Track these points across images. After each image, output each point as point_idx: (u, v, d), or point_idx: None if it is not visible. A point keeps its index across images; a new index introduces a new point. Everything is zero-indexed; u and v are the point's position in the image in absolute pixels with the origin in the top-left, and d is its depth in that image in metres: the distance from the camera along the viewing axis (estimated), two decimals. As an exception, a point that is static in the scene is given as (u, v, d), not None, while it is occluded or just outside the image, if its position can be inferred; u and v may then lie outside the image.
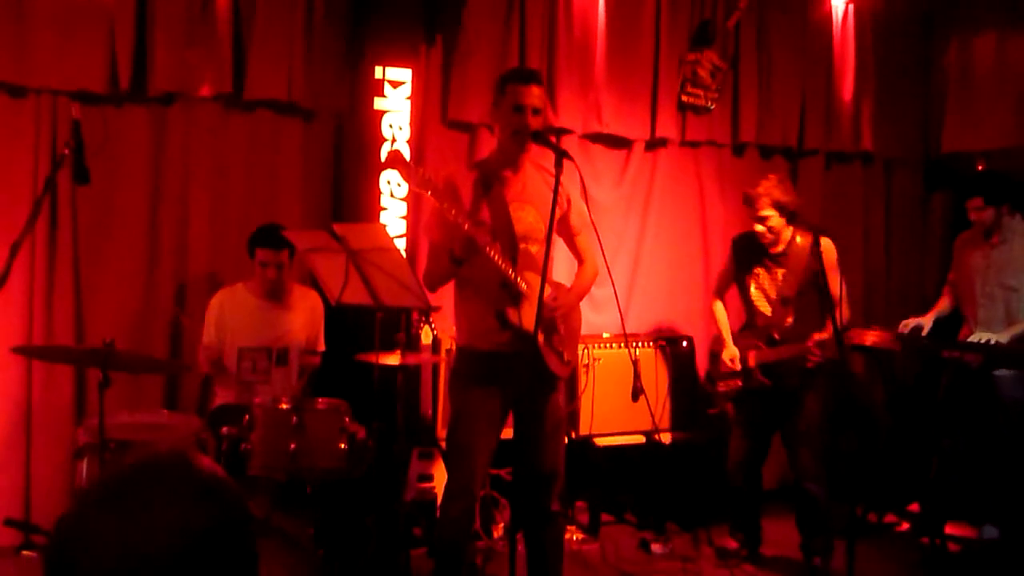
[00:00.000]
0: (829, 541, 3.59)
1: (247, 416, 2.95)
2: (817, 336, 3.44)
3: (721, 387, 3.74)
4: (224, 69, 3.80)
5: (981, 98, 4.83)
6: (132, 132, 3.76)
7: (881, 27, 5.03)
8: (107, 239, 3.76)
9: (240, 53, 3.85)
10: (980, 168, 4.83)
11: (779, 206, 3.45)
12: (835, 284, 3.42)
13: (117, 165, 3.70)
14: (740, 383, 3.66)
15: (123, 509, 0.87)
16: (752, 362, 3.62)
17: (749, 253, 3.63)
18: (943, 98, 5.04)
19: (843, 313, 3.42)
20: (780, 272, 3.55)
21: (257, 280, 3.53)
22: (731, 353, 3.67)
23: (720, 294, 3.85)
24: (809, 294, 3.53)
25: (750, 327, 3.70)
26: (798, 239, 3.52)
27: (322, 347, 3.70)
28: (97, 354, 2.63)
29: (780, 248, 3.54)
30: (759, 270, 3.60)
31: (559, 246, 3.06)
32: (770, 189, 3.46)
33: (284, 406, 2.98)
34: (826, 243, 3.38)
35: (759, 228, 3.50)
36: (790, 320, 3.55)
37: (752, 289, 3.63)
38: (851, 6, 4.97)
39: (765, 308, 3.60)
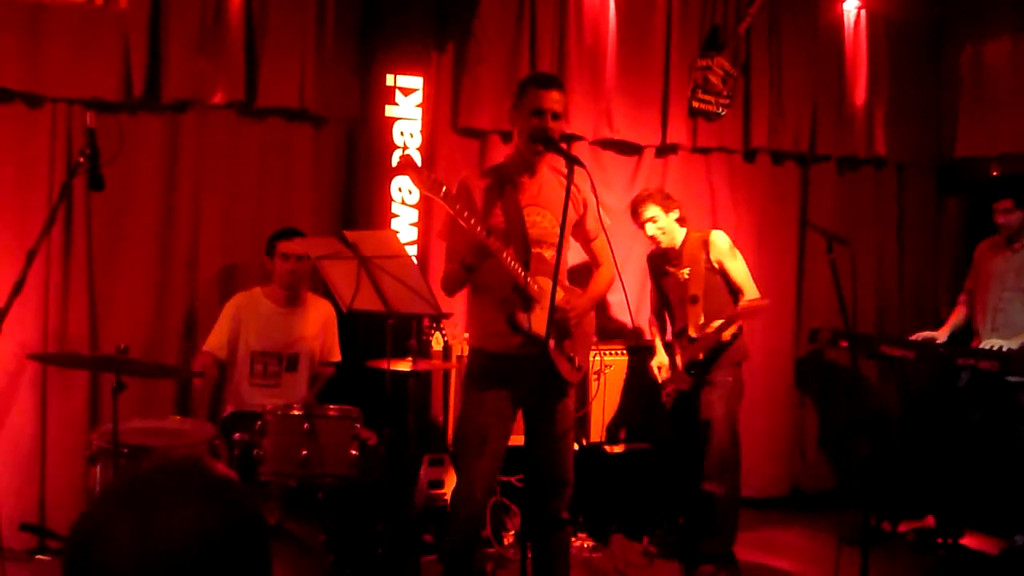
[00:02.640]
0: (727, 547, 3.59)
1: (259, 422, 2.97)
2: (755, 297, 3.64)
3: (664, 396, 3.82)
4: (236, 77, 3.83)
5: (995, 103, 4.80)
6: (146, 140, 3.80)
7: (893, 32, 5.01)
8: (121, 246, 3.80)
9: (252, 61, 3.88)
10: (995, 173, 4.79)
11: (663, 205, 3.70)
12: (737, 271, 3.67)
13: (131, 172, 3.73)
14: (677, 387, 3.76)
15: (140, 511, 0.88)
16: (679, 365, 3.73)
17: (658, 263, 3.85)
18: (956, 102, 5.01)
19: (746, 295, 3.64)
20: (683, 272, 3.70)
21: (275, 282, 3.54)
22: (658, 361, 3.84)
23: (655, 312, 4.01)
24: (719, 290, 3.68)
25: (676, 334, 3.82)
26: (691, 238, 3.72)
27: (337, 357, 3.70)
28: (111, 360, 2.65)
29: (676, 248, 3.73)
30: (667, 276, 3.79)
31: (573, 251, 3.07)
32: (649, 193, 3.76)
33: (296, 412, 2.99)
34: (715, 235, 3.71)
35: (650, 231, 3.71)
36: (702, 317, 3.66)
37: (668, 296, 3.81)
38: (863, 11, 4.95)
39: (679, 310, 3.75)
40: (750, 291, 3.66)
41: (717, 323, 3.57)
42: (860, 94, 4.98)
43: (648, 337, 4.07)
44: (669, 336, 3.88)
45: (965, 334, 4.20)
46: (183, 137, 3.86)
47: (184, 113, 3.84)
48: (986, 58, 4.88)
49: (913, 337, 4.13)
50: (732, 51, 4.62)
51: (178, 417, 3.46)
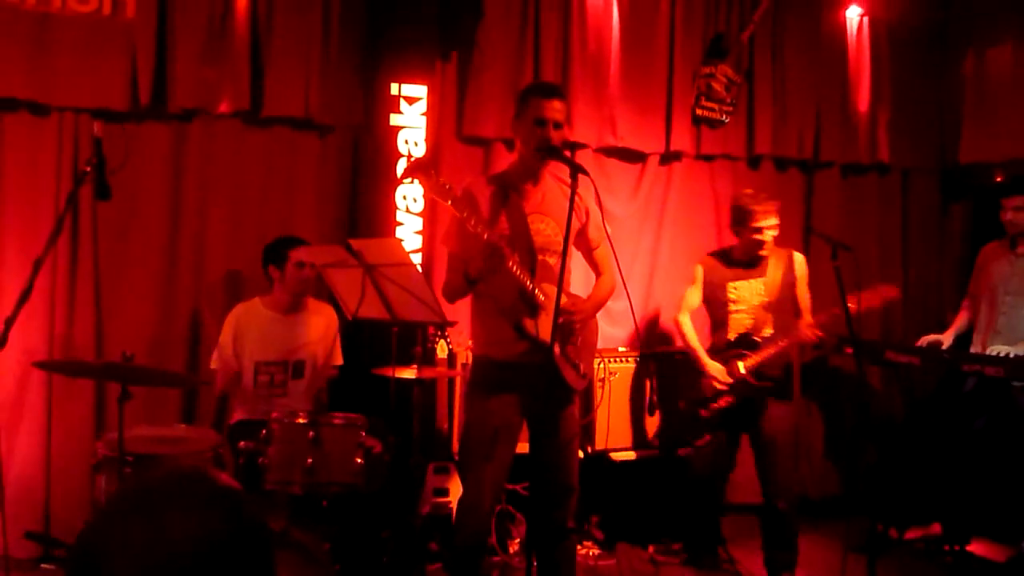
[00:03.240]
0: (793, 558, 3.60)
1: (264, 430, 2.97)
2: (809, 320, 3.59)
3: (712, 408, 3.64)
4: (242, 86, 3.85)
5: (999, 109, 4.79)
6: (152, 148, 3.82)
7: (896, 38, 5.01)
8: (127, 254, 3.81)
9: (258, 70, 3.90)
10: (999, 179, 4.79)
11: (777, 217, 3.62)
12: (806, 297, 3.70)
13: (137, 181, 3.75)
14: (732, 399, 3.60)
15: (144, 520, 0.89)
16: (743, 370, 3.58)
17: (724, 267, 3.72)
18: (960, 108, 5.01)
19: (806, 319, 3.63)
20: (760, 281, 3.64)
21: (283, 290, 3.54)
22: (717, 369, 3.63)
23: (685, 312, 3.82)
24: (788, 307, 3.66)
25: (721, 343, 3.69)
26: (775, 249, 3.68)
27: (339, 360, 3.72)
28: (116, 368, 2.66)
29: (757, 259, 3.65)
30: (737, 282, 3.66)
31: (576, 259, 3.07)
32: (771, 201, 3.62)
33: (301, 420, 3.00)
34: (798, 255, 3.72)
35: (766, 237, 3.59)
36: (770, 326, 3.62)
37: (730, 302, 3.67)
38: (865, 18, 4.96)
39: (744, 318, 3.63)
40: (809, 317, 3.67)
41: (818, 319, 3.54)
42: (863, 100, 4.98)
43: (681, 343, 3.85)
44: (706, 343, 3.77)
45: (969, 338, 4.18)
46: (189, 146, 3.88)
47: (190, 122, 3.86)
48: (989, 64, 4.88)
49: (919, 340, 4.11)
50: (735, 58, 4.63)
51: (183, 425, 3.47)
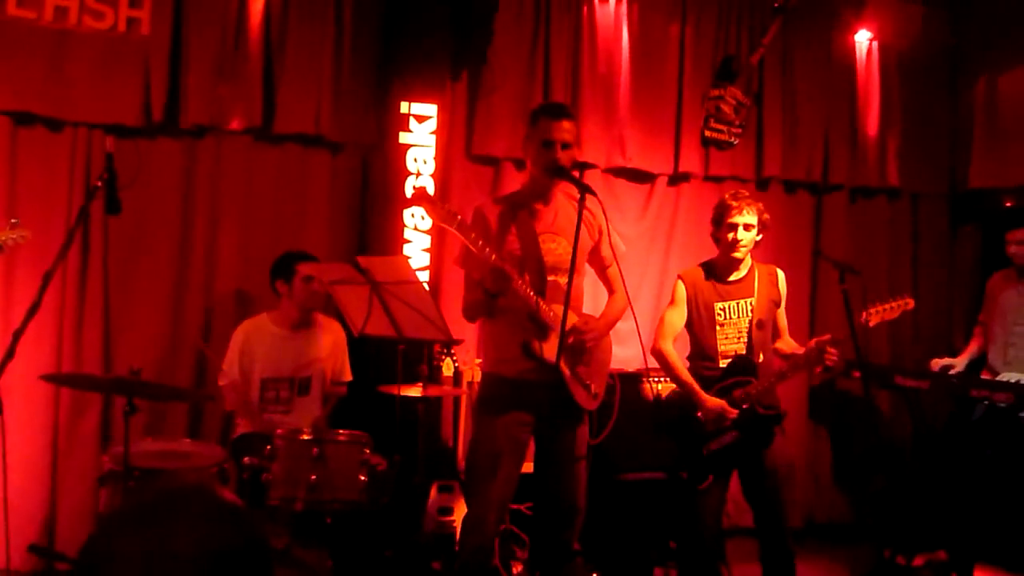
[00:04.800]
0: None
1: (269, 446, 2.97)
2: (817, 339, 3.22)
3: (714, 446, 3.20)
4: (254, 103, 3.89)
5: (1009, 135, 4.79)
6: (164, 164, 3.85)
7: (906, 63, 5.02)
8: (137, 269, 3.83)
9: (270, 88, 3.94)
10: (1008, 204, 4.77)
11: (760, 221, 3.23)
12: (783, 314, 3.40)
13: (148, 196, 3.78)
14: (736, 433, 3.19)
15: (148, 533, 0.89)
16: (743, 400, 3.18)
17: (708, 283, 3.29)
18: (970, 134, 5.01)
19: (784, 338, 3.38)
20: (748, 300, 3.26)
21: (286, 304, 3.54)
22: (717, 404, 3.17)
23: (669, 339, 3.32)
24: (769, 327, 3.29)
25: (711, 372, 3.24)
26: (758, 266, 3.33)
27: (348, 377, 3.70)
28: (124, 382, 2.67)
29: (742, 274, 3.28)
30: (725, 302, 3.26)
31: (589, 279, 3.07)
32: (751, 201, 3.24)
33: (305, 437, 2.99)
34: (780, 272, 3.40)
35: (740, 236, 3.18)
36: (762, 350, 3.23)
37: (718, 325, 3.25)
38: (875, 43, 4.98)
39: (735, 341, 3.23)
40: (787, 335, 3.39)
41: (827, 337, 3.19)
42: (873, 124, 4.98)
43: (667, 375, 3.40)
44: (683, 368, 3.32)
45: (982, 364, 4.15)
46: (200, 162, 3.91)
47: (202, 138, 3.90)
48: (1001, 89, 4.88)
49: (931, 363, 4.08)
50: (745, 81, 4.65)
51: (189, 440, 3.47)
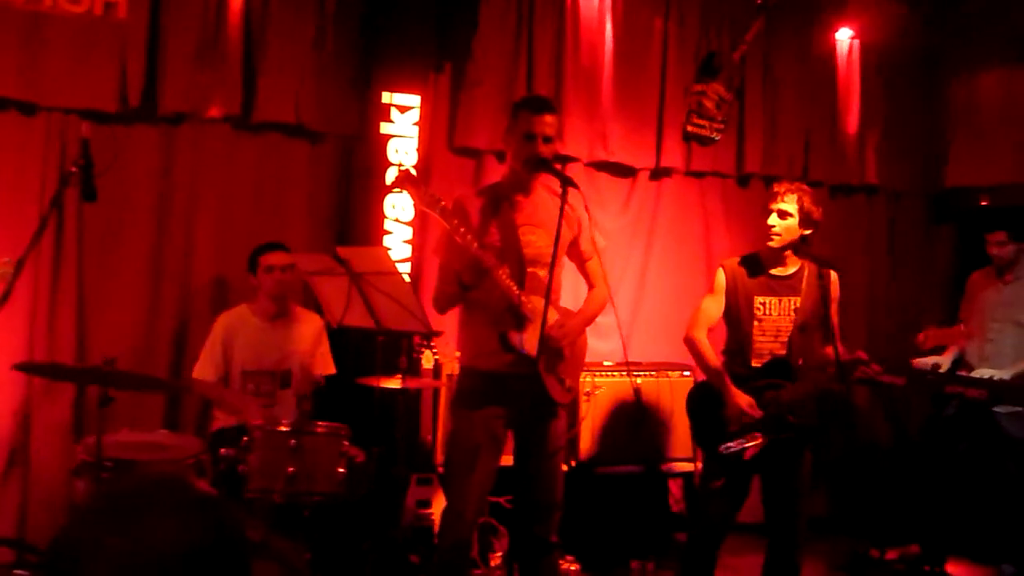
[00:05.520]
0: None
1: (246, 437, 2.94)
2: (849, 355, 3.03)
3: (733, 446, 2.97)
4: (234, 91, 3.84)
5: (986, 134, 4.86)
6: (140, 151, 3.79)
7: (886, 61, 5.07)
8: (112, 257, 3.78)
9: (250, 75, 3.89)
10: (984, 203, 4.84)
11: (803, 211, 3.02)
12: (836, 317, 3.13)
13: (124, 184, 3.72)
14: (762, 440, 2.96)
15: (120, 525, 0.88)
16: (774, 407, 2.98)
17: (751, 276, 3.08)
18: (948, 133, 5.07)
19: (839, 349, 3.07)
20: (793, 299, 3.06)
21: (262, 296, 3.52)
22: (747, 400, 2.98)
23: (703, 328, 3.13)
24: (812, 330, 3.08)
25: (743, 370, 3.07)
26: (805, 266, 3.11)
27: (332, 369, 3.64)
28: (97, 372, 2.63)
29: (789, 271, 3.10)
30: (767, 297, 3.07)
31: (568, 272, 3.07)
32: (796, 186, 3.07)
33: (283, 428, 2.97)
34: (833, 274, 3.13)
35: (770, 221, 3.01)
36: (803, 354, 3.06)
37: (755, 320, 3.06)
38: (856, 41, 5.01)
39: (772, 340, 3.06)
40: (840, 346, 3.09)
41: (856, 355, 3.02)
42: (853, 122, 5.02)
43: (698, 364, 3.21)
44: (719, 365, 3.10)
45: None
46: (178, 150, 3.85)
47: (180, 126, 3.84)
48: (978, 89, 4.94)
49: (917, 361, 4.13)
50: (727, 77, 4.66)
51: (165, 431, 3.43)
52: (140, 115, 3.75)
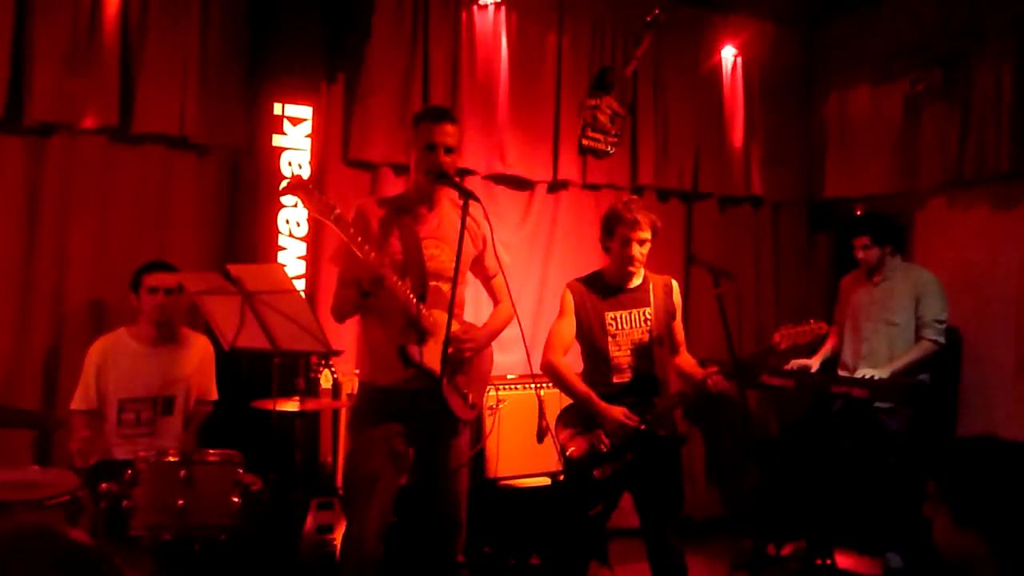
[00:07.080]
0: None
1: (129, 471, 2.75)
2: (703, 370, 3.06)
3: (608, 470, 2.94)
4: (110, 100, 3.63)
5: (858, 148, 5.17)
6: (5, 164, 3.53)
7: (767, 78, 5.32)
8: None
9: (128, 84, 3.69)
10: (859, 212, 5.14)
11: (656, 230, 3.04)
12: (680, 326, 3.20)
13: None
14: (630, 457, 2.94)
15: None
16: (646, 423, 2.94)
17: (598, 294, 3.08)
18: (824, 147, 5.37)
19: (683, 353, 3.18)
20: (644, 310, 3.06)
21: (143, 319, 3.32)
22: (621, 410, 2.93)
23: (559, 351, 3.08)
24: (663, 340, 3.08)
25: (608, 388, 3.00)
26: (652, 277, 3.14)
27: (215, 395, 3.49)
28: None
29: (635, 284, 3.10)
30: (617, 312, 3.05)
31: (472, 287, 3.03)
32: (645, 212, 3.04)
33: (171, 459, 2.79)
34: (676, 284, 3.20)
35: (635, 252, 3.00)
36: (659, 367, 3.06)
37: (609, 336, 3.04)
38: (739, 58, 5.24)
39: (626, 356, 3.04)
40: (685, 350, 3.20)
41: (713, 368, 3.00)
42: (738, 136, 5.24)
43: (560, 389, 3.14)
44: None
45: (835, 362, 4.43)
46: (48, 163, 3.60)
47: (50, 137, 3.59)
48: (849, 106, 5.26)
49: (788, 365, 4.32)
50: (620, 92, 4.77)
51: (37, 467, 3.16)
52: (4, 125, 3.49)
